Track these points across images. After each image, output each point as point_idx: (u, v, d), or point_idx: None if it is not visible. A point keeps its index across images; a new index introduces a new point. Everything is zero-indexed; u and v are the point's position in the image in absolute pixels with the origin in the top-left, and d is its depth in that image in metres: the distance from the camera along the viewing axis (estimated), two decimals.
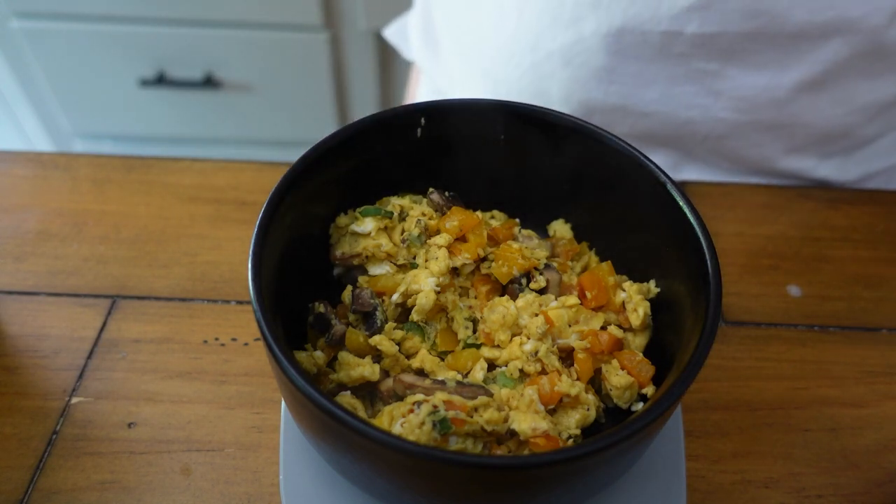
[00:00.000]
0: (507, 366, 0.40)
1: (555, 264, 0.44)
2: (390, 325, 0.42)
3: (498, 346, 0.41)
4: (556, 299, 0.42)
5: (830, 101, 0.59)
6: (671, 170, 0.67)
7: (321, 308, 0.41)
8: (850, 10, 0.53)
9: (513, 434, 0.37)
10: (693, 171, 0.69)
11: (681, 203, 0.39)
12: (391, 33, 0.88)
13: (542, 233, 0.48)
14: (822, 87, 0.58)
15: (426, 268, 0.42)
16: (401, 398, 0.38)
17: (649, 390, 0.40)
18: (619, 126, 0.64)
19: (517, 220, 0.47)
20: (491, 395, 0.38)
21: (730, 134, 0.62)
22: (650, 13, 0.55)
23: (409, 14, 0.86)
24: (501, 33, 0.64)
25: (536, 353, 0.40)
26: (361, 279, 0.43)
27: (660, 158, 0.67)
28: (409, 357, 0.41)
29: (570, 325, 0.41)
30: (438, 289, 0.41)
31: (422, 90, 0.86)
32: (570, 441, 0.38)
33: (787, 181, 0.67)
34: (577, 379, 0.40)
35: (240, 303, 0.54)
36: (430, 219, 0.44)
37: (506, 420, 0.37)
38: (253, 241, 0.36)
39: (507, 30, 0.63)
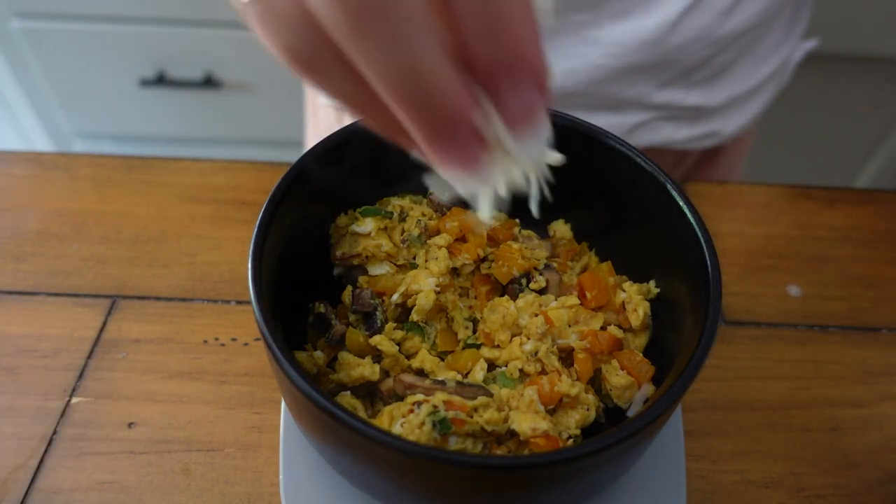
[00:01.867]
0: (507, 366, 0.40)
1: (555, 264, 0.44)
2: (390, 325, 0.42)
3: (498, 347, 0.41)
4: (556, 299, 0.42)
5: (690, 39, 0.64)
6: None
7: (321, 308, 0.41)
8: None
9: (513, 434, 0.37)
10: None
11: (681, 203, 0.39)
12: None
13: (542, 233, 0.48)
14: (681, 27, 0.63)
15: (426, 268, 0.42)
16: (401, 398, 0.38)
17: (649, 390, 0.40)
18: None
19: (517, 220, 0.47)
20: (491, 395, 0.38)
21: (608, 78, 0.66)
22: None
23: None
24: None
25: (536, 353, 0.40)
26: (361, 279, 0.43)
27: None
28: (409, 357, 0.41)
29: (569, 326, 0.41)
30: (438, 289, 0.41)
31: None
32: (570, 441, 0.38)
33: (661, 112, 0.71)
34: (577, 379, 0.40)
35: (240, 303, 0.54)
36: (430, 219, 0.44)
37: (506, 420, 0.37)
38: (253, 241, 0.36)
39: None
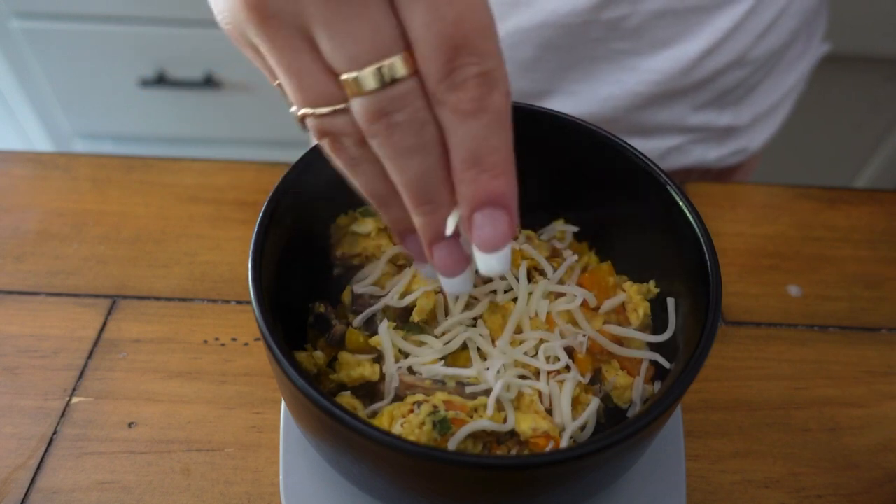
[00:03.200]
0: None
1: (555, 264, 0.44)
2: (390, 325, 0.41)
3: None
4: (556, 299, 0.42)
5: (726, 63, 0.65)
6: None
7: (321, 308, 0.41)
8: None
9: (513, 434, 0.37)
10: None
11: (681, 203, 0.39)
12: None
13: (543, 233, 0.48)
14: (720, 52, 0.64)
15: None
16: (401, 398, 0.38)
17: (649, 390, 0.40)
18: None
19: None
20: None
21: (645, 104, 0.67)
22: (569, 7, 0.60)
23: None
24: None
25: (536, 353, 0.40)
26: None
27: None
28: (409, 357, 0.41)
29: (570, 325, 0.41)
30: (439, 289, 0.41)
31: None
32: (571, 441, 0.38)
33: (694, 135, 0.72)
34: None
35: (240, 303, 0.54)
36: None
37: (506, 420, 0.37)
38: (253, 241, 0.36)
39: None
